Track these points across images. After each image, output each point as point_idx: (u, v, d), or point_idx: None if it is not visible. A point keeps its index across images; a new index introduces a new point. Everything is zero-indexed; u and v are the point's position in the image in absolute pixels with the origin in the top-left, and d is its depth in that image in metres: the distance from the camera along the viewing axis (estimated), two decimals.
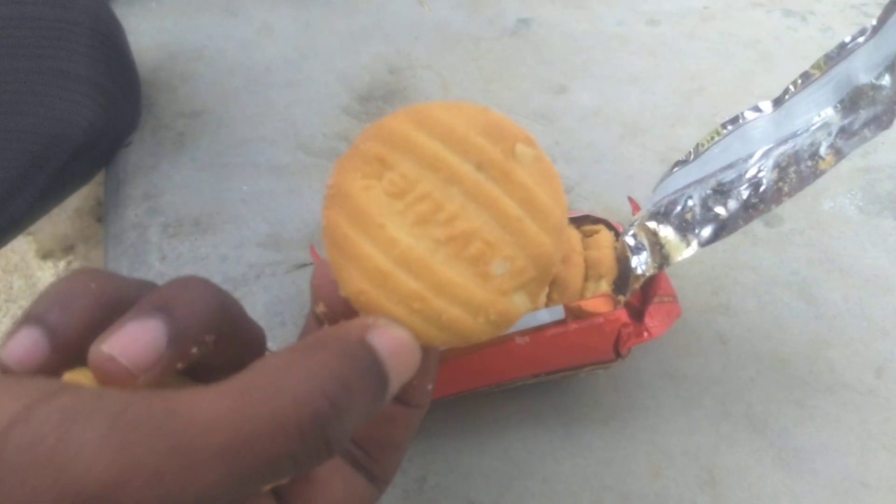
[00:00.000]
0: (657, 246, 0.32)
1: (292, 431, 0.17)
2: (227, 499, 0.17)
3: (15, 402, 0.16)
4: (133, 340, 0.19)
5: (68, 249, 0.81)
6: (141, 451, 0.16)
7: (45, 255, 0.82)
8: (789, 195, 0.30)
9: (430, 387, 0.25)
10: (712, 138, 0.34)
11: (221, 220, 0.44)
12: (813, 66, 0.32)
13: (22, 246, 0.81)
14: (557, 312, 0.31)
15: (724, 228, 0.31)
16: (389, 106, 0.52)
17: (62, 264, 0.80)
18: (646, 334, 0.32)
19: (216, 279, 0.41)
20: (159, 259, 0.42)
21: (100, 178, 0.51)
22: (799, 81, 0.33)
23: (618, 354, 0.32)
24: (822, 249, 0.42)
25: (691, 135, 0.49)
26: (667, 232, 0.32)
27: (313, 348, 0.19)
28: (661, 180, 0.36)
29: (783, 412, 0.35)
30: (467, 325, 0.21)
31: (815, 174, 0.29)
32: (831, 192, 0.46)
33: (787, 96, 0.33)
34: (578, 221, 0.36)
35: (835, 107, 0.30)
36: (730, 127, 0.34)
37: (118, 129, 0.48)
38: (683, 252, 0.31)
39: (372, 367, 0.20)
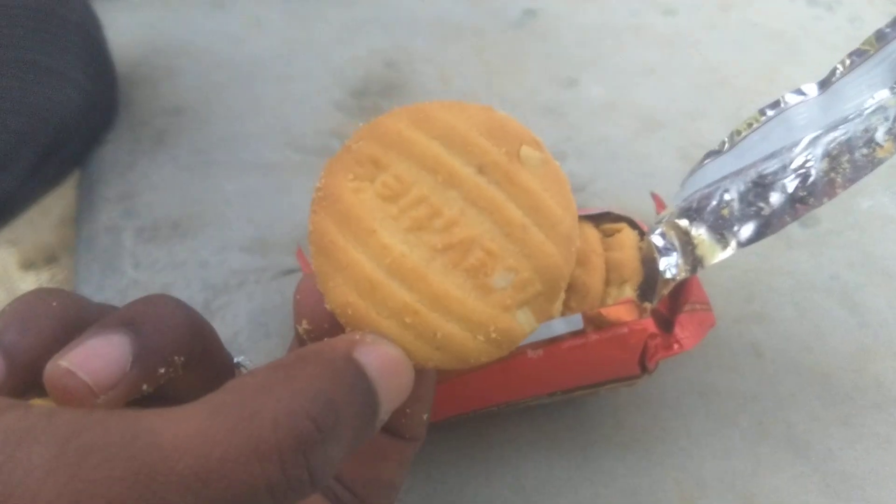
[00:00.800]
0: (689, 246, 0.29)
1: (271, 457, 0.16)
2: None
3: None
4: (95, 355, 0.18)
5: (51, 259, 0.78)
6: (95, 477, 0.14)
7: (27, 266, 0.78)
8: (843, 187, 0.26)
9: (425, 416, 0.22)
10: (750, 125, 0.31)
11: (202, 223, 0.40)
12: (864, 43, 0.29)
13: (3, 256, 0.78)
14: (575, 322, 0.28)
15: (767, 226, 0.27)
16: (386, 101, 0.48)
17: (45, 275, 0.77)
18: (676, 346, 0.28)
19: (195, 287, 0.37)
20: (133, 265, 0.39)
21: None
22: (847, 61, 0.29)
23: (644, 369, 0.28)
24: (862, 251, 0.39)
25: (715, 129, 0.46)
26: (700, 231, 0.29)
27: (294, 366, 0.17)
28: (691, 173, 0.32)
29: (827, 432, 0.32)
30: (465, 344, 0.20)
31: (873, 163, 0.26)
32: (869, 190, 0.42)
33: (834, 77, 0.29)
34: (597, 219, 0.32)
35: (891, 88, 0.27)
36: (770, 112, 0.30)
37: (92, 126, 0.45)
38: (719, 254, 0.28)
39: (360, 386, 0.18)
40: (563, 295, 0.27)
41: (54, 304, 0.20)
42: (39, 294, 0.20)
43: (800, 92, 0.30)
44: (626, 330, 0.28)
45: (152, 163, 0.44)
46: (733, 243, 0.28)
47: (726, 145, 0.31)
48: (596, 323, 0.28)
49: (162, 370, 0.19)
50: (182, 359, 0.20)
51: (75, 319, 0.20)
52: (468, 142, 0.20)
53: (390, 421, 0.20)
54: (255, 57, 0.51)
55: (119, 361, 0.18)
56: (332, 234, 0.20)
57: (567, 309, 0.29)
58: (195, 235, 0.40)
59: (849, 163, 0.26)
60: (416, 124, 0.20)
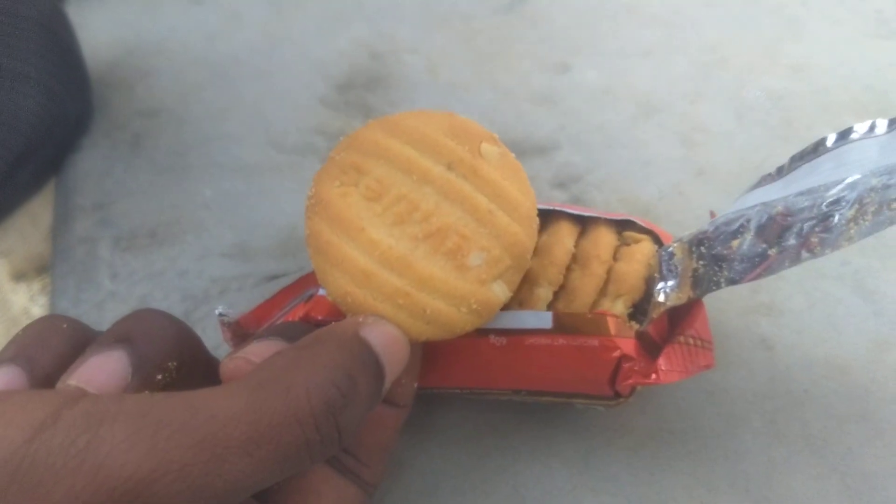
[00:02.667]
0: (687, 273, 0.27)
1: (307, 421, 0.19)
2: (250, 490, 0.19)
3: (41, 408, 0.18)
4: (98, 370, 0.21)
5: (42, 270, 0.76)
6: (168, 447, 0.17)
7: (18, 277, 0.77)
8: (851, 241, 0.24)
9: (414, 385, 0.26)
10: (816, 149, 0.28)
11: (181, 230, 0.39)
12: None
13: None
14: (544, 319, 0.26)
15: (766, 271, 0.25)
16: (371, 95, 0.46)
17: (36, 285, 0.76)
18: (654, 376, 0.26)
19: (174, 297, 0.36)
20: (110, 277, 0.37)
21: None
22: None
23: (616, 393, 0.27)
24: (874, 235, 0.37)
25: (714, 111, 0.44)
26: (701, 262, 0.26)
27: (314, 346, 0.21)
28: (745, 192, 0.30)
29: (845, 430, 0.30)
30: (451, 316, 0.23)
31: (893, 220, 0.23)
32: None
33: None
34: (621, 226, 0.30)
35: None
36: (830, 143, 0.28)
37: (66, 131, 0.44)
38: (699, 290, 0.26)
39: (370, 359, 0.22)
40: (552, 293, 0.26)
41: (64, 326, 0.23)
42: (52, 318, 0.23)
43: (872, 126, 0.27)
44: (595, 343, 0.26)
45: (129, 168, 0.42)
46: (723, 283, 0.26)
47: (784, 170, 0.29)
48: (568, 328, 0.26)
49: (159, 376, 0.22)
50: (175, 364, 0.23)
51: (82, 339, 0.23)
52: (436, 144, 0.23)
53: (386, 393, 0.23)
54: (233, 53, 0.50)
55: (120, 373, 0.21)
56: (327, 235, 0.23)
57: (553, 308, 0.27)
58: (173, 243, 0.38)
59: (873, 215, 0.23)
60: (390, 133, 0.24)
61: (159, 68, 0.49)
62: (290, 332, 0.23)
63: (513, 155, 0.25)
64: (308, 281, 0.30)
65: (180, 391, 0.19)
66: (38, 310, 0.80)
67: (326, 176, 0.24)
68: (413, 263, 0.23)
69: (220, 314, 0.28)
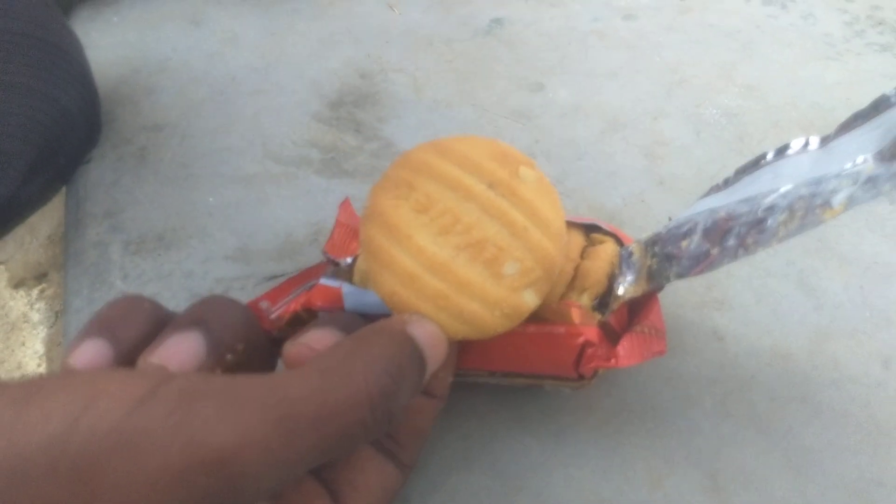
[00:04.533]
0: (643, 270, 0.30)
1: (365, 404, 0.21)
2: (315, 462, 0.21)
3: (140, 385, 0.19)
4: (178, 350, 0.23)
5: (41, 277, 0.78)
6: (253, 421, 0.19)
7: (18, 284, 0.79)
8: (780, 241, 0.26)
9: (450, 378, 0.28)
10: (757, 163, 0.31)
11: (186, 235, 0.42)
12: (870, 105, 0.28)
13: None
14: None
15: (709, 266, 0.28)
16: (360, 111, 0.50)
17: (35, 293, 0.78)
18: (613, 361, 0.29)
19: (181, 296, 0.39)
20: (121, 278, 0.40)
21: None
22: (851, 121, 0.29)
23: (580, 375, 0.30)
24: (817, 237, 0.41)
25: (674, 127, 0.48)
26: (656, 258, 0.30)
27: (368, 338, 0.23)
28: (697, 200, 0.33)
29: (787, 410, 0.33)
30: (485, 318, 0.25)
31: (815, 224, 0.26)
32: None
33: (833, 135, 0.29)
34: (588, 229, 0.33)
35: (875, 154, 0.26)
36: (770, 157, 0.31)
37: (76, 145, 0.46)
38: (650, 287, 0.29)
39: (415, 353, 0.24)
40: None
41: (146, 305, 0.25)
42: (135, 298, 0.25)
43: (805, 143, 0.30)
44: (562, 331, 0.28)
45: (136, 179, 0.45)
46: (672, 278, 0.28)
47: (730, 181, 0.32)
48: (537, 317, 0.28)
49: (229, 356, 0.24)
50: (242, 346, 0.25)
51: (161, 319, 0.25)
52: (479, 165, 0.26)
53: (425, 384, 0.25)
54: (232, 72, 0.53)
55: (197, 352, 0.23)
56: (379, 241, 0.25)
57: None
58: (180, 247, 0.41)
59: (800, 219, 0.26)
60: (440, 154, 0.26)
61: (163, 86, 0.51)
62: (342, 322, 0.25)
63: (547, 179, 0.27)
64: (309, 274, 0.33)
65: (257, 373, 0.21)
66: (36, 315, 0.82)
67: (381, 189, 0.26)
68: (454, 269, 0.25)
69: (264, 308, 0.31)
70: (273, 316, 0.30)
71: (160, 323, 0.25)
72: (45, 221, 0.77)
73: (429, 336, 0.24)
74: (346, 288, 0.29)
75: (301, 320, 0.29)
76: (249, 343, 0.25)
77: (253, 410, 0.19)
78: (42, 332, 0.76)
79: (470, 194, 0.25)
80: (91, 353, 0.23)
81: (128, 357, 0.23)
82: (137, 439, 0.18)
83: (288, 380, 0.20)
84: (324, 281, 0.29)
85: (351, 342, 0.23)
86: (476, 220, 0.25)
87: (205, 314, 0.24)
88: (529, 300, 0.26)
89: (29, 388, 0.19)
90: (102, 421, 0.18)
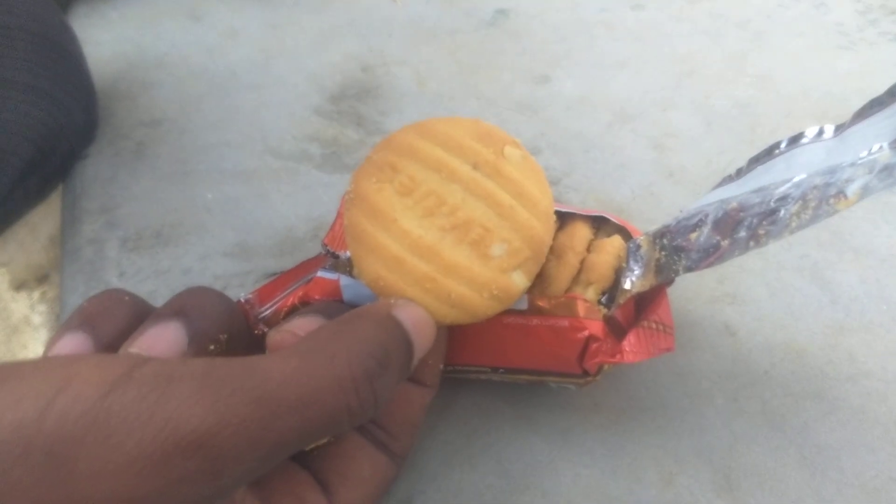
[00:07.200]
0: (652, 264, 0.29)
1: (349, 386, 0.21)
2: (297, 446, 0.20)
3: (115, 368, 0.19)
4: (158, 339, 0.23)
5: (42, 279, 0.78)
6: (230, 403, 0.19)
7: (19, 287, 0.78)
8: (793, 232, 0.25)
9: (440, 366, 0.28)
10: (770, 152, 0.30)
11: (184, 231, 0.41)
12: (886, 92, 0.27)
13: None
14: (521, 301, 0.28)
15: (719, 259, 0.27)
16: (362, 104, 0.49)
17: (36, 294, 0.77)
18: (619, 356, 0.28)
19: None
20: (117, 275, 0.39)
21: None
22: (867, 108, 0.28)
23: (585, 371, 0.28)
24: (831, 230, 0.39)
25: (684, 118, 0.46)
26: (664, 251, 0.29)
27: (353, 321, 0.23)
28: (708, 191, 0.32)
29: (802, 406, 0.32)
30: (473, 301, 0.25)
31: (829, 213, 0.25)
32: None
33: (848, 123, 0.28)
34: (596, 222, 0.32)
35: (891, 143, 0.25)
36: (784, 146, 0.30)
37: (73, 141, 0.45)
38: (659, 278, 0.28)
39: (401, 336, 0.23)
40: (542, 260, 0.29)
41: (126, 298, 0.25)
42: (115, 291, 0.25)
43: (820, 131, 0.29)
44: (566, 324, 0.28)
45: (133, 174, 0.44)
46: (681, 271, 0.27)
47: (743, 171, 0.31)
48: (542, 310, 0.28)
49: (211, 347, 0.24)
50: (225, 336, 0.24)
51: (142, 312, 0.25)
52: (463, 146, 0.25)
53: (415, 372, 0.25)
54: (231, 67, 0.52)
55: (178, 343, 0.23)
56: (363, 225, 0.25)
57: (530, 294, 0.29)
58: (177, 243, 0.40)
59: (813, 209, 0.25)
60: (422, 136, 0.26)
61: (161, 81, 0.51)
62: (329, 311, 0.25)
63: (533, 158, 0.27)
64: (307, 267, 0.32)
65: (237, 357, 0.20)
66: (38, 318, 0.82)
67: (364, 174, 0.26)
68: (440, 252, 0.24)
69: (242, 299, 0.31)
70: (266, 312, 0.29)
71: (141, 316, 0.24)
72: (45, 222, 0.77)
73: (415, 319, 0.24)
74: (343, 280, 0.28)
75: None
76: (233, 333, 0.25)
77: (230, 392, 0.19)
78: (44, 334, 0.75)
79: (454, 175, 0.25)
80: (71, 346, 0.23)
81: (108, 350, 0.23)
82: (112, 422, 0.18)
83: (267, 362, 0.20)
84: (322, 273, 0.28)
85: (334, 325, 0.23)
86: (461, 201, 0.25)
87: (185, 305, 0.24)
88: (519, 281, 0.25)
89: (2, 372, 0.18)
90: (76, 404, 0.18)
